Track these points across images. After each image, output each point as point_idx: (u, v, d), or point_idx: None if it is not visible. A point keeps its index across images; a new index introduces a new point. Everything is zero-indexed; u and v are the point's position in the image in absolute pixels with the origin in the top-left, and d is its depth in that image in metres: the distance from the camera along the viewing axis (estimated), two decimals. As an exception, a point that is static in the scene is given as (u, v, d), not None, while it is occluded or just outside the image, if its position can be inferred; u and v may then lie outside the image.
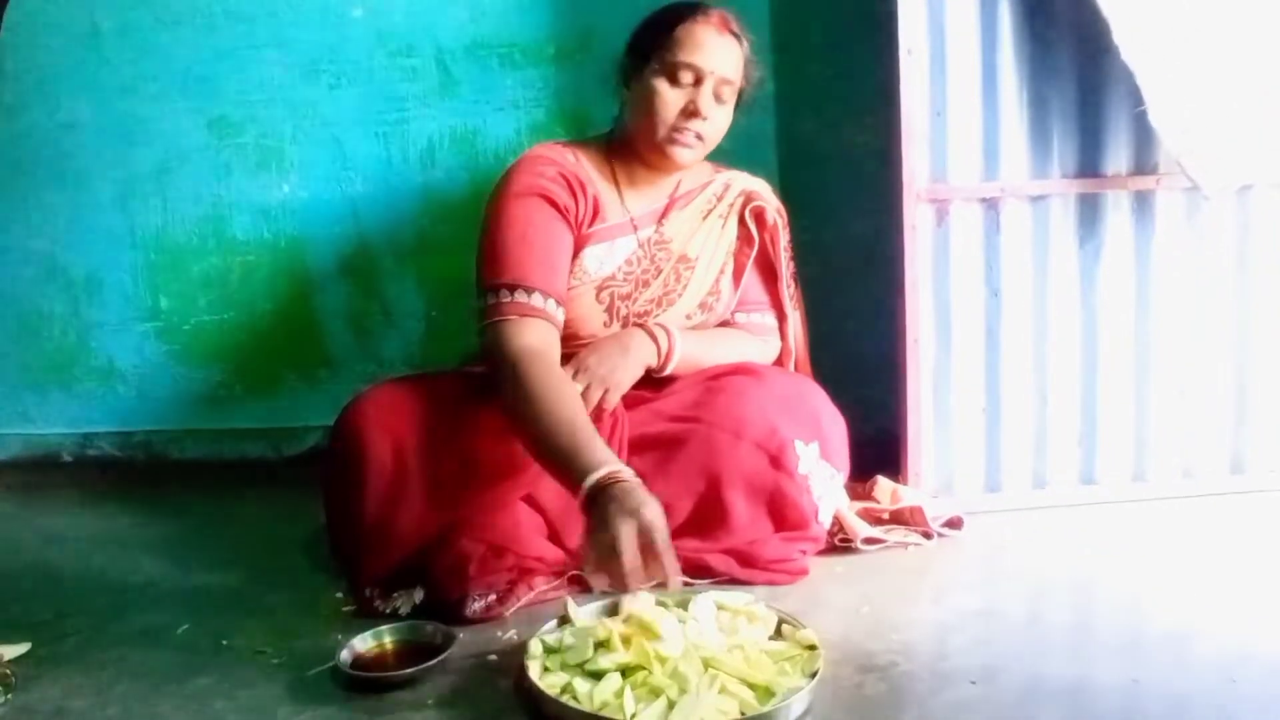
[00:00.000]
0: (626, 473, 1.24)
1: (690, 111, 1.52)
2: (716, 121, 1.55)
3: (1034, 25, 1.68)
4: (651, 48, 1.56)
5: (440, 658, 1.21)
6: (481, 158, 2.05)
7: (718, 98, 1.54)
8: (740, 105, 1.62)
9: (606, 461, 1.25)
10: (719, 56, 1.53)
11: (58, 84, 2.08)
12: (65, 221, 2.13)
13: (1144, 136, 1.70)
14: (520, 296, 1.46)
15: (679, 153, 1.55)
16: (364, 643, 1.26)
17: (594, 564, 1.20)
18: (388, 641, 1.27)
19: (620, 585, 1.17)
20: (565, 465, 1.28)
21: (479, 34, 2.02)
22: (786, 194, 1.81)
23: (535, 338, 1.44)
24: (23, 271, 2.15)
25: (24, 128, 2.09)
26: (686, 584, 1.43)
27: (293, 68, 2.04)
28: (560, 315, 1.50)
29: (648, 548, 1.17)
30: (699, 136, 1.54)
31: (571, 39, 2.01)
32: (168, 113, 2.07)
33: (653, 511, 1.18)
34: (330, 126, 2.06)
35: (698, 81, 1.52)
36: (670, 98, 1.53)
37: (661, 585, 1.20)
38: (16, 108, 2.09)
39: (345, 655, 1.22)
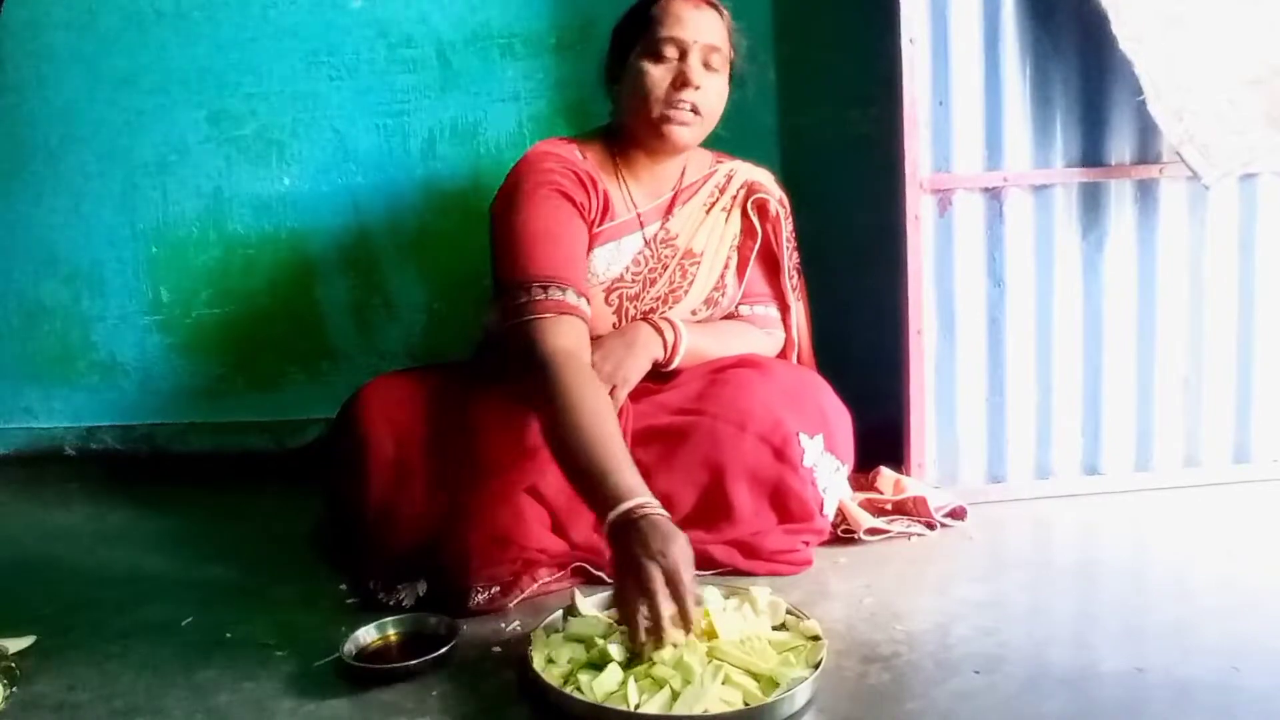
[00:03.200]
0: (653, 504, 1.18)
1: (681, 83, 1.50)
2: (709, 92, 1.53)
3: (1036, 14, 1.67)
4: (633, 34, 1.55)
5: (444, 649, 1.22)
6: (483, 150, 2.05)
7: (708, 66, 1.52)
8: (734, 81, 1.61)
9: (635, 492, 1.18)
10: (700, 25, 1.52)
11: (57, 76, 2.07)
12: (65, 214, 2.13)
13: (1147, 125, 1.69)
14: (555, 294, 1.41)
15: (676, 131, 1.53)
16: (368, 635, 1.26)
17: (626, 609, 1.14)
18: (391, 634, 1.28)
19: (656, 635, 1.11)
20: (592, 487, 1.22)
21: (479, 25, 2.02)
22: (789, 185, 1.81)
23: (570, 338, 1.39)
24: (23, 265, 2.15)
25: (24, 120, 2.09)
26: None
27: (293, 60, 2.04)
28: (589, 311, 1.46)
29: (674, 589, 1.11)
30: (695, 110, 1.52)
31: (573, 30, 2.01)
32: (168, 105, 2.07)
33: (678, 549, 1.12)
34: (331, 119, 2.06)
35: (683, 54, 1.51)
36: (658, 75, 1.51)
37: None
38: (16, 100, 2.08)
39: (349, 647, 1.22)
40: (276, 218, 2.10)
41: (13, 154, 2.11)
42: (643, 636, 1.12)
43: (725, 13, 1.57)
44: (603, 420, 1.28)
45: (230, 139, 2.07)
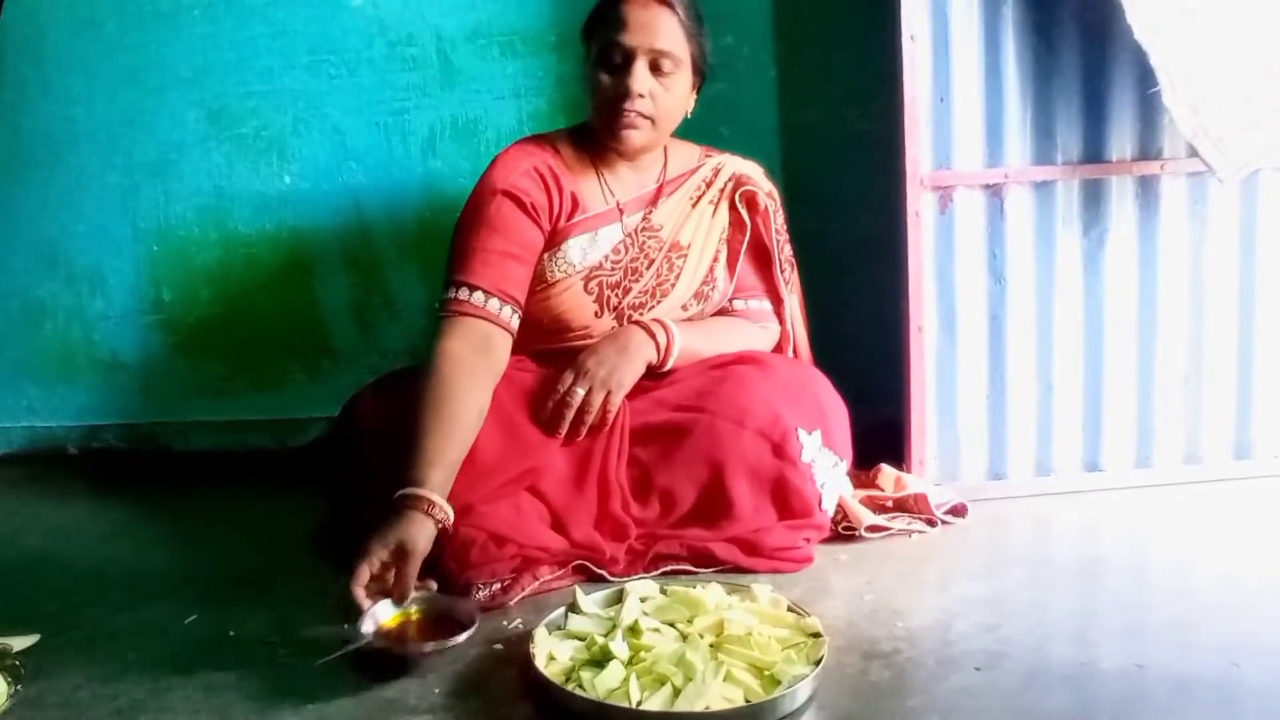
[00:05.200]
0: (430, 501, 1.30)
1: (622, 93, 1.51)
2: (660, 97, 1.53)
3: (1037, 10, 1.67)
4: (589, 36, 1.57)
5: (462, 636, 1.20)
6: (483, 147, 2.04)
7: (657, 70, 1.52)
8: (705, 77, 1.60)
9: (421, 485, 1.31)
10: (646, 30, 1.51)
11: (58, 75, 2.07)
12: (66, 214, 2.13)
13: (1148, 122, 1.69)
14: (463, 294, 1.49)
15: (627, 135, 1.54)
16: (386, 611, 1.25)
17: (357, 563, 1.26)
18: (413, 610, 1.27)
19: (348, 591, 1.24)
20: (405, 467, 1.34)
21: (479, 22, 2.02)
22: (788, 182, 1.81)
23: (466, 341, 1.46)
24: (24, 264, 2.15)
25: (24, 119, 2.09)
26: (690, 573, 1.44)
27: (293, 58, 2.04)
28: (507, 314, 1.50)
29: (398, 569, 1.26)
30: (643, 115, 1.53)
31: (572, 27, 1.97)
32: (168, 104, 2.06)
33: (410, 542, 1.26)
34: (331, 117, 2.06)
35: (629, 60, 1.51)
36: (606, 83, 1.53)
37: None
38: (17, 100, 2.08)
39: (368, 625, 1.21)
40: (277, 216, 2.10)
41: (14, 153, 2.10)
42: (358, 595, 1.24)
43: (682, 10, 1.53)
44: (444, 416, 1.38)
45: (231, 138, 2.07)
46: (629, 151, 1.58)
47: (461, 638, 1.20)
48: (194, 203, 2.10)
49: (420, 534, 1.28)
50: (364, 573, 1.24)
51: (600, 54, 1.53)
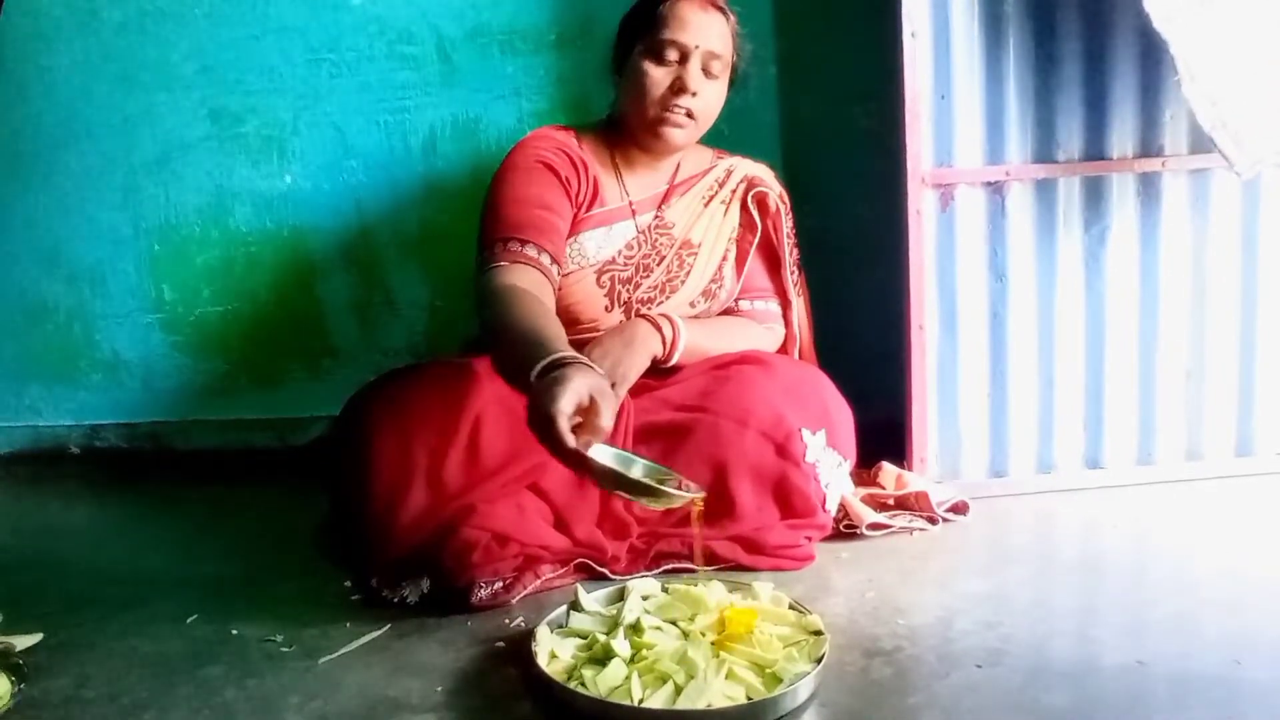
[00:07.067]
0: (585, 361, 1.20)
1: (678, 88, 1.52)
2: (707, 97, 1.56)
3: (1039, 6, 1.66)
4: (638, 30, 1.57)
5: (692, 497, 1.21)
6: (484, 146, 2.05)
7: (707, 72, 1.55)
8: (734, 83, 1.63)
9: (559, 351, 1.21)
10: (704, 31, 1.53)
11: (58, 74, 2.07)
12: (67, 213, 2.13)
13: (1150, 118, 1.69)
14: (514, 247, 1.46)
15: (671, 133, 1.55)
16: (606, 456, 1.19)
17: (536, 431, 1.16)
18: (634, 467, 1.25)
19: (555, 445, 1.13)
20: (522, 368, 1.22)
21: (479, 21, 2.02)
22: (789, 179, 1.81)
23: (522, 280, 1.43)
24: (25, 263, 2.16)
25: (25, 118, 2.09)
26: (690, 570, 1.44)
27: (293, 57, 2.04)
28: (554, 272, 1.49)
29: (589, 409, 1.14)
30: (690, 114, 1.54)
31: (573, 25, 2.00)
32: (169, 103, 2.07)
33: (598, 386, 1.15)
34: (331, 116, 2.06)
35: (684, 58, 1.53)
36: (658, 76, 1.53)
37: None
38: (17, 98, 2.08)
39: (602, 455, 1.17)
40: (278, 215, 2.10)
41: (14, 152, 2.11)
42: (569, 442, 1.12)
43: (731, 16, 1.59)
44: (533, 316, 1.31)
45: (231, 137, 2.07)
46: (667, 149, 1.59)
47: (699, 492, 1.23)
48: (195, 201, 2.11)
49: (601, 380, 1.19)
50: (570, 406, 1.12)
51: (650, 49, 1.54)
